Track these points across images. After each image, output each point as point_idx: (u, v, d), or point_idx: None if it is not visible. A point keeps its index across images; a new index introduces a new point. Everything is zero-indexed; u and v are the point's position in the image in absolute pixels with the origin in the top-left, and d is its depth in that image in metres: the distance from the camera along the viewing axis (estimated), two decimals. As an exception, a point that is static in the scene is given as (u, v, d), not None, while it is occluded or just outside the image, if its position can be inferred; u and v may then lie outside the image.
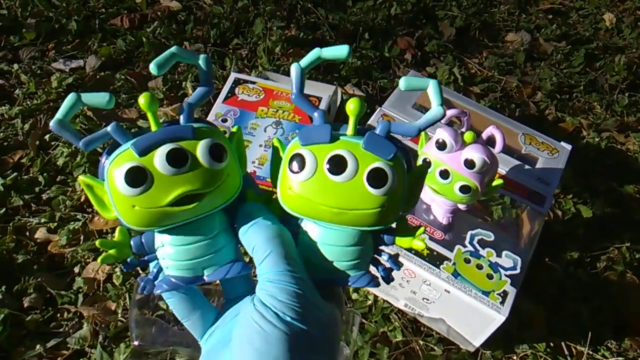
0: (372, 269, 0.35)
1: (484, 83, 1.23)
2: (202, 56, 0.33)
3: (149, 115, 0.30)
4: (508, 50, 1.36)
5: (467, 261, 0.69)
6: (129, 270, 0.33)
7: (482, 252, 0.70)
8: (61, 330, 0.74)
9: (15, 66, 1.09)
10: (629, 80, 1.28)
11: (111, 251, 0.32)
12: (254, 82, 0.96)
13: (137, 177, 0.28)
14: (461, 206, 0.70)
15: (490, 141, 0.66)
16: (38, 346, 0.71)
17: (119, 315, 0.75)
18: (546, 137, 0.89)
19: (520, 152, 0.85)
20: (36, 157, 0.93)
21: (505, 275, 0.68)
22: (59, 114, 0.29)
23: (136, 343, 0.65)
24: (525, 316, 0.78)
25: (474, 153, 0.61)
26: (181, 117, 0.32)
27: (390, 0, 1.39)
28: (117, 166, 0.29)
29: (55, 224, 0.84)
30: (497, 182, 0.66)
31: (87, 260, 0.81)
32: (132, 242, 0.32)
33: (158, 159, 0.29)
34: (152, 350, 0.68)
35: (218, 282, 0.34)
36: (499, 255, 0.70)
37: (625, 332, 0.81)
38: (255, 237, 0.31)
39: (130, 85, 1.09)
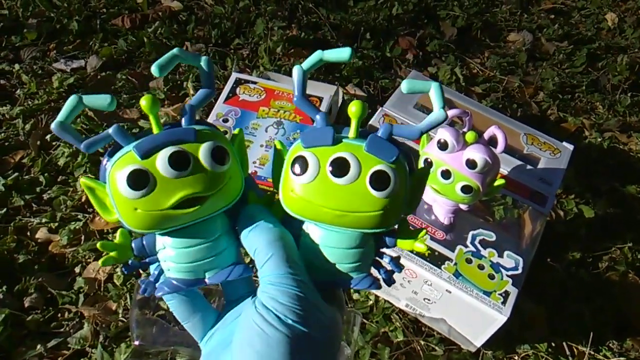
0: (374, 271, 0.35)
1: (486, 83, 1.22)
2: (203, 58, 0.33)
3: (151, 118, 0.30)
4: (510, 50, 1.36)
5: (469, 261, 0.69)
6: (130, 272, 0.33)
7: (484, 252, 0.70)
8: (62, 330, 0.74)
9: (17, 66, 1.09)
10: (632, 80, 1.27)
11: (112, 253, 0.31)
12: (255, 82, 0.96)
13: (139, 180, 0.28)
14: (463, 206, 0.70)
15: (492, 141, 0.65)
16: (39, 346, 0.71)
17: (120, 315, 0.75)
18: (548, 137, 0.89)
19: (522, 152, 0.85)
20: (37, 157, 0.93)
21: (507, 276, 0.68)
22: (60, 116, 0.29)
23: (137, 343, 0.65)
24: (526, 316, 0.78)
25: (476, 153, 0.61)
26: (183, 119, 0.32)
27: (392, 0, 1.39)
28: (119, 169, 0.29)
29: (56, 224, 0.84)
30: (499, 182, 0.66)
31: (88, 260, 0.81)
32: (133, 245, 0.32)
33: (160, 162, 0.29)
34: (153, 350, 0.68)
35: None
36: (500, 255, 0.70)
37: (627, 333, 0.81)
38: (257, 240, 0.31)
39: (131, 85, 1.09)
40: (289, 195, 0.31)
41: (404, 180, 0.31)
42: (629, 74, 1.27)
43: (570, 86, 1.26)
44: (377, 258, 0.35)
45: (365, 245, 0.32)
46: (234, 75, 0.97)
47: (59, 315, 0.76)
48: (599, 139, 1.12)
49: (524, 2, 1.54)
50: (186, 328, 0.34)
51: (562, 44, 1.38)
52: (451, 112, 0.68)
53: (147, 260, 0.33)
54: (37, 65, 1.11)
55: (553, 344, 0.78)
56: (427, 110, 0.89)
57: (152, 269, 0.33)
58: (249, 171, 0.35)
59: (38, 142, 0.95)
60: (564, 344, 0.78)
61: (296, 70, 0.33)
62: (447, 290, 0.67)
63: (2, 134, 0.97)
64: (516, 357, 0.76)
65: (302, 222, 0.33)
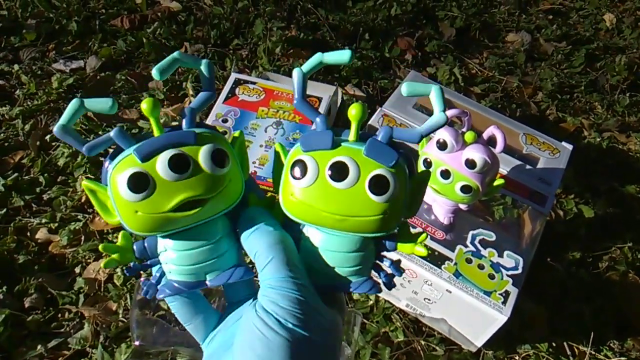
0: (374, 274, 0.35)
1: (485, 83, 1.23)
2: (204, 61, 0.33)
3: (152, 121, 0.30)
4: (508, 50, 1.36)
5: (469, 261, 0.69)
6: (132, 274, 0.33)
7: (484, 252, 0.70)
8: (62, 330, 0.74)
9: (16, 67, 1.09)
10: (630, 80, 1.27)
11: (114, 255, 0.32)
12: (254, 83, 0.96)
13: (140, 183, 0.28)
14: (462, 206, 0.70)
15: (491, 141, 0.66)
16: (39, 346, 0.71)
17: (120, 316, 0.75)
18: (547, 137, 0.89)
19: (522, 152, 0.85)
20: (37, 158, 0.93)
21: (507, 275, 0.68)
22: (62, 120, 0.29)
23: (137, 343, 0.65)
24: (527, 316, 0.78)
25: (475, 153, 0.61)
26: (183, 122, 0.32)
27: (391, 0, 1.39)
28: (119, 172, 0.29)
29: (56, 224, 0.84)
30: (498, 182, 0.66)
31: (88, 260, 0.81)
32: (135, 247, 0.33)
33: (160, 165, 0.29)
34: (153, 351, 0.68)
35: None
36: (500, 255, 0.70)
37: (627, 332, 0.81)
38: (258, 243, 0.31)
39: (130, 85, 1.09)
40: (288, 199, 0.31)
41: (403, 184, 0.31)
42: (628, 74, 1.28)
43: (569, 86, 1.26)
44: (378, 261, 0.35)
45: (365, 249, 0.32)
46: (233, 76, 0.97)
47: (59, 315, 0.76)
48: (598, 139, 1.12)
49: (523, 3, 1.54)
50: (188, 330, 0.34)
51: (561, 45, 1.39)
52: (450, 112, 0.68)
53: (148, 262, 0.33)
54: (36, 66, 1.11)
55: (554, 344, 0.78)
56: (426, 111, 0.89)
57: (154, 271, 0.33)
58: (249, 172, 0.35)
59: (38, 143, 0.95)
60: (565, 343, 0.79)
61: (296, 73, 0.33)
62: (447, 290, 0.67)
63: (2, 135, 0.97)
64: (517, 357, 0.76)
65: (302, 226, 0.33)
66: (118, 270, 0.79)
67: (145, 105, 0.30)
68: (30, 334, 0.73)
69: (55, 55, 1.14)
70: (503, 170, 0.81)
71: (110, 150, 0.31)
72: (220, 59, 1.18)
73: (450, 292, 0.67)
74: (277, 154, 0.34)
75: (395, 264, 0.35)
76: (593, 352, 0.78)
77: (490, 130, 0.66)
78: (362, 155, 0.30)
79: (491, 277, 0.68)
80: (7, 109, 1.01)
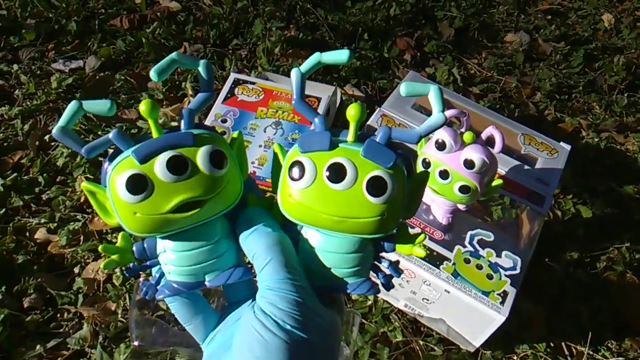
0: (372, 275, 0.35)
1: (483, 83, 1.23)
2: (202, 62, 0.33)
3: (150, 122, 0.30)
4: (507, 50, 1.36)
5: (467, 261, 0.69)
6: (131, 275, 0.33)
7: (482, 252, 0.70)
8: (61, 330, 0.74)
9: (15, 67, 1.09)
10: (628, 80, 1.28)
11: (114, 256, 0.32)
12: (253, 83, 0.96)
13: (138, 185, 0.28)
14: (461, 206, 0.70)
15: (490, 141, 0.66)
16: (38, 346, 0.71)
17: (119, 316, 0.75)
18: (545, 138, 0.89)
19: (520, 153, 0.86)
20: (36, 158, 0.93)
21: (505, 276, 0.68)
22: (61, 122, 0.30)
23: (136, 343, 0.65)
24: (525, 316, 0.78)
25: (474, 153, 0.61)
26: (182, 123, 0.32)
27: (390, 0, 1.39)
28: (118, 173, 0.29)
29: (55, 224, 0.84)
30: (497, 182, 0.67)
31: (87, 260, 0.81)
32: (134, 248, 0.33)
33: (158, 167, 0.29)
34: (152, 351, 0.68)
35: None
36: (498, 255, 0.70)
37: (625, 333, 0.81)
38: (256, 244, 0.31)
39: (129, 85, 1.09)
40: (287, 200, 0.31)
41: (401, 185, 0.31)
42: (626, 74, 1.28)
43: (567, 86, 1.26)
44: (376, 262, 0.35)
45: (363, 250, 0.32)
46: (233, 76, 0.97)
47: (58, 315, 0.76)
48: (596, 139, 1.13)
49: (521, 3, 1.54)
50: (188, 330, 0.35)
51: (559, 45, 1.39)
52: (449, 113, 0.68)
53: (148, 263, 0.33)
54: (35, 66, 1.11)
55: (551, 344, 0.78)
56: (425, 111, 0.89)
57: (154, 272, 0.33)
58: (248, 172, 0.35)
59: (37, 143, 0.95)
60: (563, 344, 0.79)
61: (294, 73, 0.32)
62: (445, 290, 0.67)
63: (1, 134, 0.97)
64: (515, 357, 0.76)
65: (300, 227, 0.33)
66: (117, 270, 0.79)
67: (143, 107, 0.30)
68: (29, 334, 0.73)
69: (55, 55, 1.14)
70: (501, 170, 0.81)
71: (110, 151, 0.31)
72: (219, 59, 1.18)
73: (448, 292, 0.67)
74: (275, 154, 0.34)
75: (394, 265, 0.35)
76: (591, 352, 0.78)
77: (489, 131, 0.66)
78: (359, 157, 0.30)
79: (489, 277, 0.68)
80: (7, 109, 1.01)
